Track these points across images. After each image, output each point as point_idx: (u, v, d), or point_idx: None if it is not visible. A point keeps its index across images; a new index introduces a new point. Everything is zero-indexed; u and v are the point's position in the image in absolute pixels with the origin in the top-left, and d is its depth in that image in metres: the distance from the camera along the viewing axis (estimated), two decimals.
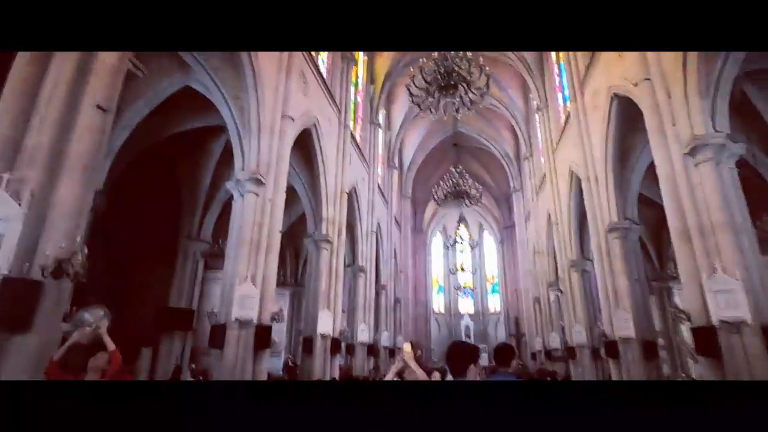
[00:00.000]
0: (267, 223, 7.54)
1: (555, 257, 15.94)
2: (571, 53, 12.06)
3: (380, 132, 19.18)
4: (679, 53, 6.54)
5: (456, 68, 5.61)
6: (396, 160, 22.72)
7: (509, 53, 17.61)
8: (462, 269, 25.83)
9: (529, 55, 16.81)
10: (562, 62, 14.41)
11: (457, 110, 5.69)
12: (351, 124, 14.02)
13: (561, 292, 15.29)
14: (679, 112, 6.63)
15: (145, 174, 11.01)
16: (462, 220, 21.12)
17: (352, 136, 13.98)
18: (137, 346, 10.63)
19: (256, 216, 7.44)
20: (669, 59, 6.91)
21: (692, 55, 6.44)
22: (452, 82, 5.28)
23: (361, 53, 16.48)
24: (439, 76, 5.53)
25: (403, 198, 24.79)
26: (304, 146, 10.88)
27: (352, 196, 14.08)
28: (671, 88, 6.86)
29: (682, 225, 6.27)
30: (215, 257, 11.45)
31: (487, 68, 5.30)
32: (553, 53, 15.54)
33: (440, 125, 24.52)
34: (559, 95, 15.18)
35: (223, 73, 7.92)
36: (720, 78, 6.67)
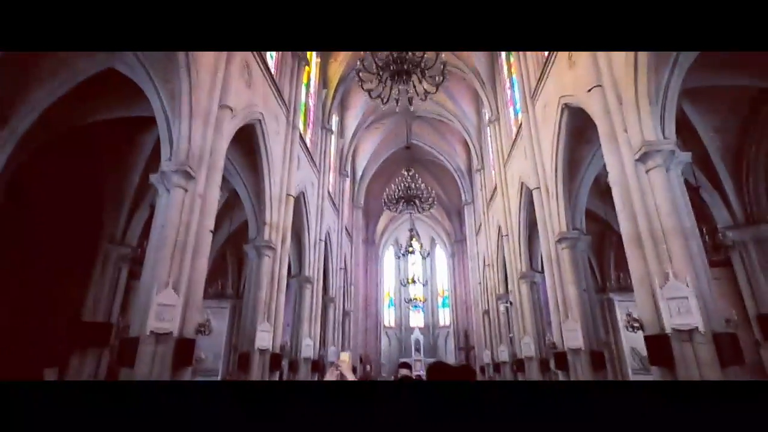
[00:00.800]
0: (196, 222, 6.65)
1: (505, 269, 15.98)
2: (523, 66, 12.20)
3: (332, 138, 18.60)
4: (631, 59, 6.56)
5: (410, 54, 5.24)
6: (348, 169, 22.18)
7: (462, 66, 17.82)
8: (413, 281, 25.49)
9: (482, 68, 17.04)
10: (513, 76, 14.64)
11: (410, 100, 5.27)
12: (301, 126, 13.34)
13: (510, 304, 15.26)
14: (630, 118, 6.62)
15: (60, 166, 9.69)
16: (414, 230, 20.77)
17: (302, 139, 13.29)
18: (39, 368, 9.16)
19: (183, 214, 6.53)
20: (620, 66, 6.93)
21: (642, 62, 6.46)
22: (405, 68, 4.87)
23: (314, 55, 15.93)
24: (391, 61, 5.10)
25: (355, 208, 24.21)
26: (248, 144, 10.07)
27: (299, 202, 13.31)
28: (622, 95, 6.86)
29: (633, 230, 6.18)
30: (141, 264, 10.23)
31: (443, 56, 4.94)
32: (505, 66, 15.82)
33: (394, 136, 24.42)
34: (511, 109, 15.41)
35: (153, 54, 7.02)
36: (668, 86, 6.76)
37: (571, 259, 9.68)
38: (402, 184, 11.46)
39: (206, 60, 7.45)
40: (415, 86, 5.06)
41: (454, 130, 22.72)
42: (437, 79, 5.03)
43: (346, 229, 21.63)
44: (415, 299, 28.06)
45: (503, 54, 16.00)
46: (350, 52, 16.11)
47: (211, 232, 6.82)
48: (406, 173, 11.85)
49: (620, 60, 6.89)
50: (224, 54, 7.87)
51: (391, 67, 5.11)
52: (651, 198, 6.11)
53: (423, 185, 11.59)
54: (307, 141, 14.39)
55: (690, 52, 6.87)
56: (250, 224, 10.83)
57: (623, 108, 6.79)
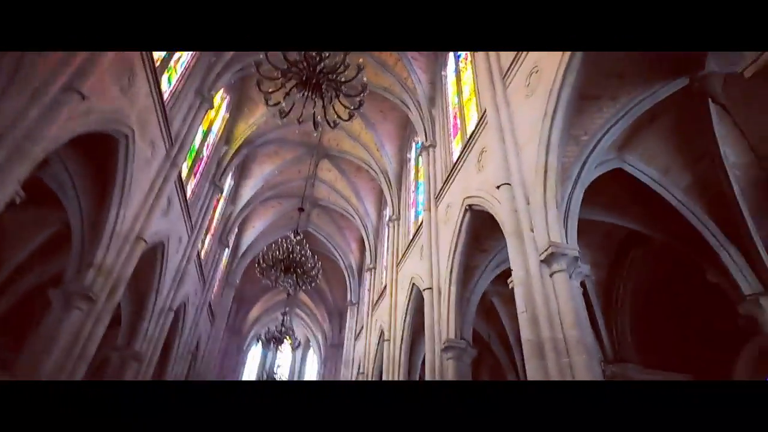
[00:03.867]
0: None
1: (380, 378, 14.35)
2: (432, 167, 12.41)
3: (221, 200, 16.65)
4: (542, 162, 6.56)
5: (327, 59, 4.35)
6: (231, 241, 19.83)
7: (374, 165, 18.09)
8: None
9: (390, 169, 17.40)
10: (420, 180, 14.96)
11: (315, 124, 4.26)
12: (185, 169, 11.49)
13: None
14: (537, 218, 6.38)
15: None
16: (288, 315, 18.37)
17: (181, 183, 11.32)
18: None
19: None
20: (530, 168, 6.92)
21: (552, 165, 6.48)
22: (318, 79, 3.95)
23: (223, 107, 14.80)
24: (303, 66, 4.16)
25: (227, 286, 21.21)
26: (101, 159, 7.96)
27: (155, 255, 10.76)
28: (530, 196, 6.71)
29: (536, 338, 5.42)
30: None
31: (362, 66, 4.19)
32: (413, 171, 16.26)
33: (289, 219, 23.09)
34: (413, 210, 15.45)
35: None
36: (571, 197, 6.83)
37: (455, 373, 8.62)
38: (285, 245, 9.77)
39: None
40: (324, 107, 4.13)
41: (353, 226, 22.30)
42: (356, 102, 4.17)
43: (210, 308, 18.41)
44: None
45: (412, 157, 16.59)
46: (263, 116, 15.33)
47: None
48: (292, 236, 10.28)
49: (530, 161, 6.90)
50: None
51: (302, 74, 4.15)
52: (555, 304, 5.55)
53: (309, 254, 10.07)
54: (188, 190, 12.38)
55: (589, 169, 7.20)
56: (70, 263, 8.09)
57: (530, 208, 6.59)
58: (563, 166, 6.76)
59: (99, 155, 7.95)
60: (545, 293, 5.65)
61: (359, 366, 18.15)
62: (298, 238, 10.14)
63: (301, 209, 15.09)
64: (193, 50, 10.21)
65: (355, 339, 20.47)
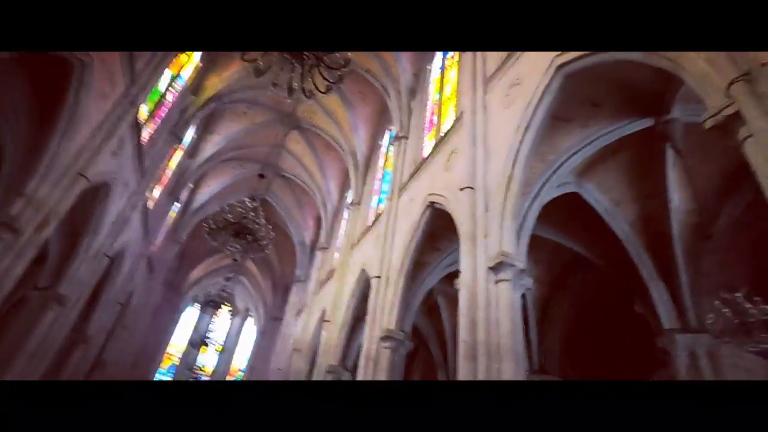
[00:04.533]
0: None
1: (313, 360, 14.37)
2: (401, 159, 12.40)
3: (179, 152, 15.85)
4: (508, 170, 6.69)
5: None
6: (183, 196, 18.99)
7: (343, 143, 17.85)
8: (207, 346, 21.31)
9: (360, 152, 17.23)
10: (388, 169, 14.92)
11: (290, 91, 4.06)
12: (144, 111, 10.79)
13: None
14: (493, 225, 6.52)
15: None
16: (232, 279, 17.92)
17: (137, 125, 10.63)
18: None
19: None
20: (495, 176, 7.05)
21: (517, 176, 6.63)
22: (304, 55, 3.78)
23: (197, 55, 14.00)
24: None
25: (172, 242, 20.36)
26: (50, 81, 7.29)
27: (97, 194, 10.08)
28: (490, 203, 6.85)
29: (472, 340, 5.57)
30: None
31: (349, 55, 4.04)
32: (383, 159, 16.19)
33: (249, 184, 22.37)
34: (375, 198, 15.41)
35: None
36: (528, 210, 7.03)
37: (389, 363, 8.76)
38: (238, 210, 9.39)
39: None
40: (303, 75, 3.95)
41: (312, 203, 21.98)
42: (337, 75, 4.03)
43: (150, 261, 17.61)
44: (202, 371, 23.37)
45: (384, 145, 16.51)
46: (237, 72, 14.66)
47: None
48: (248, 202, 9.89)
49: (497, 170, 7.03)
50: None
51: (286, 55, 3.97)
52: (495, 311, 5.72)
53: (263, 222, 9.76)
54: (144, 133, 11.64)
55: (550, 188, 7.45)
56: None
57: (488, 215, 6.72)
58: (526, 181, 6.93)
59: (50, 77, 7.27)
60: (488, 299, 5.81)
61: (295, 342, 18.09)
62: (255, 204, 9.79)
63: (262, 176, 14.62)
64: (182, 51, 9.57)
65: (296, 315, 20.34)
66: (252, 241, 9.01)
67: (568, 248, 9.96)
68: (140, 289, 17.66)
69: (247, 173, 21.11)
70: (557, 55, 6.54)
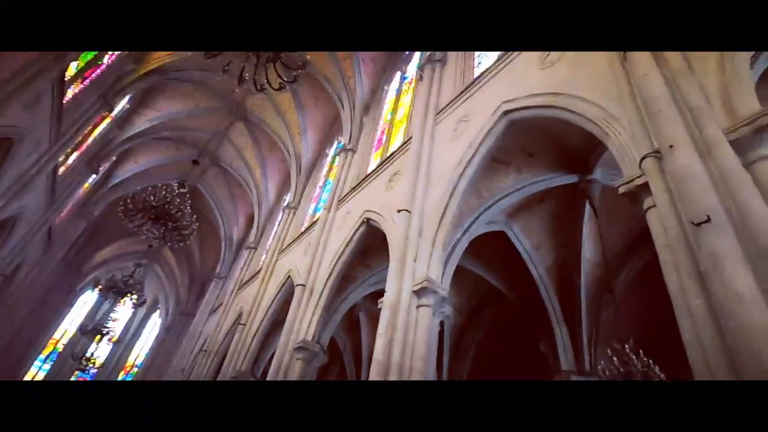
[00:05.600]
0: None
1: (222, 363, 13.58)
2: (345, 170, 12.39)
3: (108, 120, 14.54)
4: (444, 200, 6.94)
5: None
6: (103, 168, 17.39)
7: (289, 147, 17.50)
8: (102, 335, 19.25)
9: (305, 158, 16.98)
10: (330, 179, 14.82)
11: (240, 80, 3.89)
12: (71, 66, 9.80)
13: None
14: (423, 252, 6.68)
15: None
16: (146, 268, 16.53)
17: (62, 79, 9.60)
18: None
19: None
20: (432, 204, 7.27)
21: (452, 208, 6.89)
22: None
23: None
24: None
25: (80, 216, 18.47)
26: None
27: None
28: (424, 229, 7.03)
29: (386, 360, 5.60)
30: None
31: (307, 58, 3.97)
32: (327, 167, 16.07)
33: (181, 168, 20.99)
34: (313, 205, 15.20)
35: None
36: (457, 243, 7.31)
37: (300, 374, 8.53)
38: (162, 193, 8.63)
39: None
40: (257, 66, 3.80)
41: (247, 200, 21.17)
42: (292, 75, 3.93)
43: (50, 232, 15.78)
44: (91, 362, 20.96)
45: (331, 154, 16.43)
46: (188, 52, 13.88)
47: None
48: (176, 186, 9.16)
49: (435, 199, 7.26)
50: None
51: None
52: (412, 334, 5.82)
53: (189, 211, 9.08)
54: (68, 93, 10.54)
55: (480, 223, 7.81)
56: None
57: (420, 240, 6.89)
58: (461, 213, 7.23)
59: None
60: (407, 322, 5.90)
61: (205, 343, 17.03)
62: (182, 190, 9.13)
63: (196, 162, 13.81)
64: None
65: (210, 314, 19.22)
66: (173, 228, 8.35)
67: (488, 282, 10.46)
68: (32, 262, 15.70)
69: (181, 157, 19.86)
70: (505, 101, 6.98)
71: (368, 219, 9.38)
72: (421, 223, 7.15)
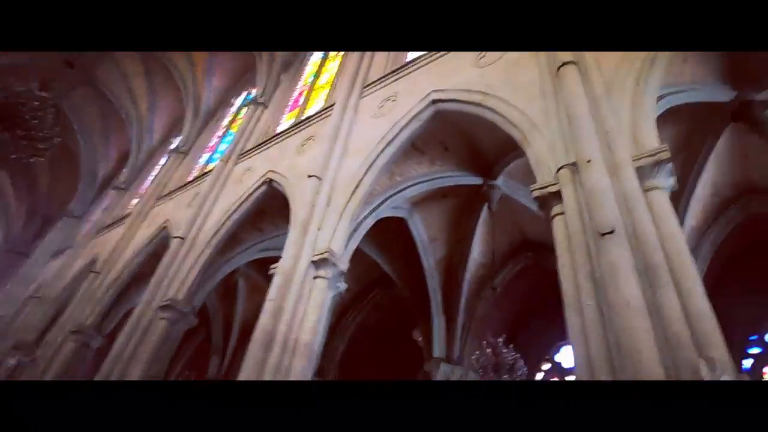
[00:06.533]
0: None
1: (59, 314, 11.55)
2: (252, 124, 11.40)
3: None
4: (361, 172, 6.73)
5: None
6: None
7: (189, 88, 15.60)
8: None
9: (205, 103, 15.30)
10: (232, 130, 13.53)
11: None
12: None
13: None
14: (329, 222, 6.40)
15: None
16: None
17: None
18: None
19: None
20: (345, 175, 7.00)
21: (366, 184, 6.71)
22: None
23: None
24: None
25: None
26: None
27: None
28: (333, 199, 6.73)
29: (271, 328, 5.20)
30: None
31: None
32: (231, 117, 14.66)
33: (50, 67, 17.01)
34: (206, 155, 13.75)
35: None
36: (365, 219, 7.17)
37: (161, 336, 7.56)
38: (15, 91, 6.56)
39: None
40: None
41: (123, 133, 18.27)
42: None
43: None
44: None
45: (237, 104, 15.04)
46: None
47: None
48: (37, 89, 7.06)
49: (350, 171, 7.00)
50: None
51: None
52: (305, 305, 5.53)
53: (51, 122, 7.14)
54: None
55: (388, 206, 7.78)
56: None
57: (328, 210, 6.58)
58: (372, 191, 7.08)
59: None
60: (301, 292, 5.57)
61: (39, 288, 14.36)
62: (43, 94, 7.07)
63: (70, 64, 11.12)
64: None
65: (53, 256, 16.24)
66: (23, 137, 6.47)
67: (379, 267, 10.56)
68: None
69: (53, 55, 16.17)
70: (436, 90, 6.99)
71: (271, 180, 8.71)
72: (331, 193, 6.83)
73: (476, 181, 8.33)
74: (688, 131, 6.69)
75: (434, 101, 6.97)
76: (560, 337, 9.45)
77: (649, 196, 3.71)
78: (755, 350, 7.88)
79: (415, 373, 9.41)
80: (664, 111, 4.94)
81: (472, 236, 9.28)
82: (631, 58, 4.78)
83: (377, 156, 6.93)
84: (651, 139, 4.14)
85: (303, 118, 9.98)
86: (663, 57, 4.68)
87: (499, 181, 8.32)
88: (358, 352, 11.65)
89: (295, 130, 9.60)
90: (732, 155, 7.24)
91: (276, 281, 5.74)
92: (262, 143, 10.31)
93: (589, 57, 5.14)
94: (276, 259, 6.33)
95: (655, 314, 2.93)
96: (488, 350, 5.92)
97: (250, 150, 10.51)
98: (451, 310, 9.41)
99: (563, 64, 5.13)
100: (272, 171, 8.85)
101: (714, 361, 2.71)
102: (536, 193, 4.45)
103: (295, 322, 5.25)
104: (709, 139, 6.88)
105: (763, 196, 7.66)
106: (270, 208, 9.13)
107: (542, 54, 5.72)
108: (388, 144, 7.02)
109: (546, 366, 9.47)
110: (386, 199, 7.70)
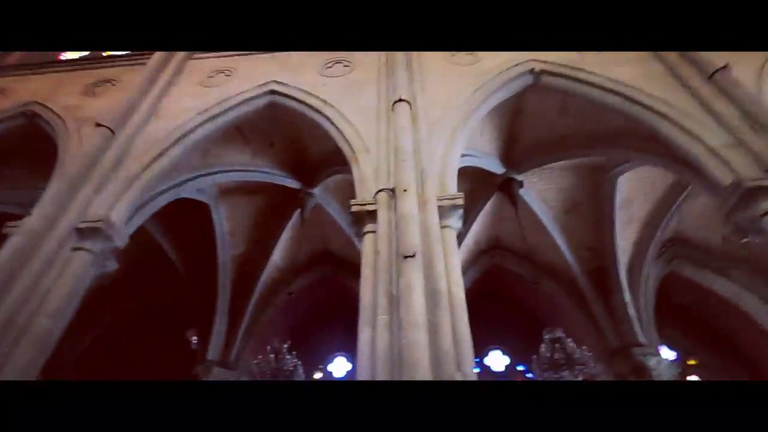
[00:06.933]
0: None
1: None
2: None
3: None
4: (161, 146, 5.77)
5: None
6: None
7: None
8: None
9: None
10: None
11: None
12: None
13: None
14: (114, 186, 5.24)
15: None
16: None
17: None
18: None
19: None
20: (149, 137, 5.91)
21: (173, 153, 5.80)
22: None
23: None
24: None
25: None
26: None
27: None
28: (125, 161, 5.58)
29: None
30: None
31: None
32: None
33: None
34: None
35: None
36: (159, 196, 6.15)
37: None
38: None
39: None
40: None
41: None
42: None
43: None
44: None
45: None
46: None
47: None
48: None
49: (154, 134, 5.94)
50: None
51: None
52: (50, 280, 4.27)
53: None
54: None
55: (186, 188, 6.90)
56: None
57: (116, 172, 5.39)
58: (178, 164, 6.16)
59: None
60: (49, 262, 4.31)
61: None
62: None
63: None
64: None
65: None
66: None
67: (162, 250, 9.21)
68: None
69: None
70: (277, 81, 6.68)
71: (36, 113, 6.66)
72: (125, 154, 5.65)
73: (294, 185, 8.19)
74: (472, 189, 8.20)
75: (273, 91, 6.65)
76: (336, 348, 10.00)
77: (443, 233, 4.32)
78: (476, 370, 9.98)
79: (184, 377, 8.38)
80: (462, 167, 5.91)
81: (277, 238, 9.04)
82: (452, 107, 5.61)
83: (194, 128, 6.13)
84: (452, 185, 4.89)
85: (103, 54, 8.10)
86: (473, 121, 5.66)
87: (316, 191, 8.39)
88: (113, 346, 9.73)
89: (88, 65, 7.69)
90: (493, 216, 9.19)
91: (13, 243, 4.29)
92: (34, 66, 7.84)
93: (420, 100, 5.79)
94: (13, 217, 4.82)
95: (433, 333, 3.37)
96: (271, 355, 5.74)
97: (7, 67, 7.85)
98: (237, 311, 8.84)
99: (398, 101, 5.63)
100: (40, 104, 6.79)
101: (466, 375, 3.27)
102: (355, 208, 4.64)
103: (32, 301, 3.99)
104: (482, 200, 8.58)
105: (504, 252, 9.93)
106: (22, 151, 6.95)
107: (383, 85, 6.17)
108: (210, 119, 6.30)
109: (318, 375, 9.79)
110: (192, 179, 6.85)
